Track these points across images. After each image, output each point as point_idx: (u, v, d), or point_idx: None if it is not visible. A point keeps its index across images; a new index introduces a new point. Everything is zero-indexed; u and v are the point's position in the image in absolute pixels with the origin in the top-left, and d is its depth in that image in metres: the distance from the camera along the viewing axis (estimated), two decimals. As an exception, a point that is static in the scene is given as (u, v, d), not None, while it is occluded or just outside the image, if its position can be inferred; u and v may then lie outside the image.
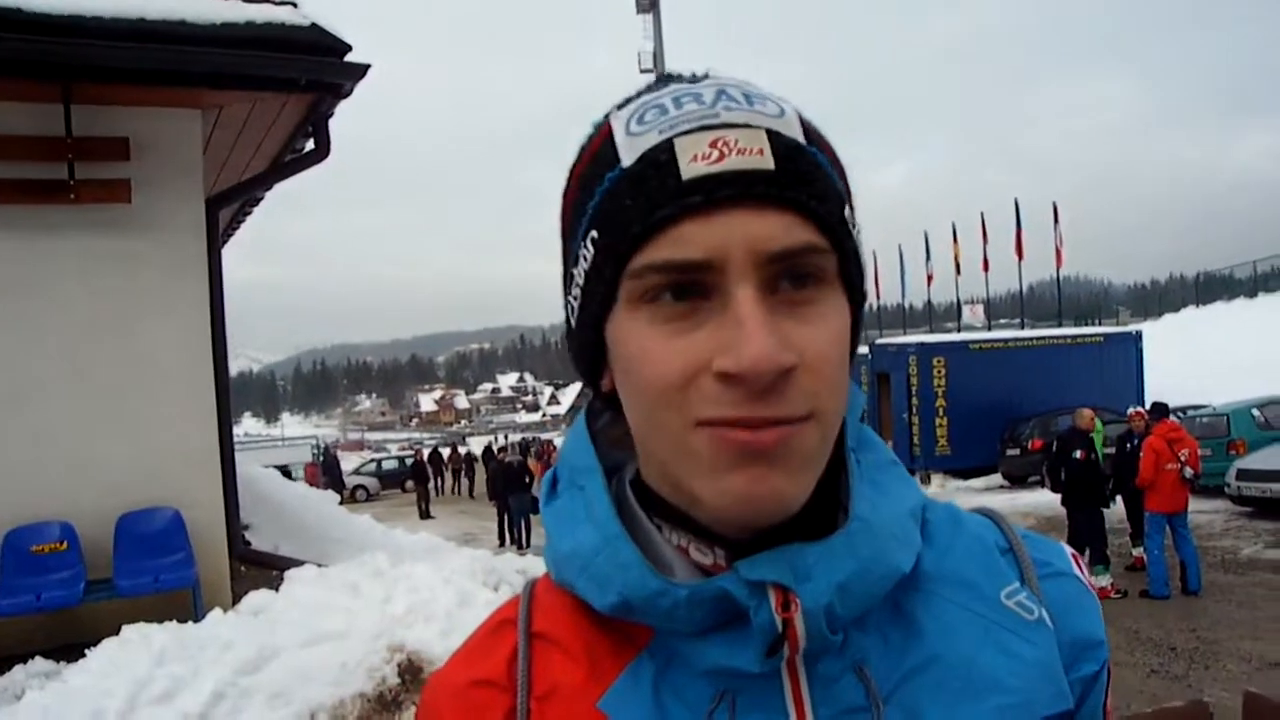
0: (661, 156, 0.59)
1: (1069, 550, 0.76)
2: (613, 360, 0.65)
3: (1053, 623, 0.69)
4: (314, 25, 6.07)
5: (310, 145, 7.08)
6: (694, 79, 0.64)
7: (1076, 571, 0.74)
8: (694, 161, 0.58)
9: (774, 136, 0.60)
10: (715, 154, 0.58)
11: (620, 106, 0.65)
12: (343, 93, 6.35)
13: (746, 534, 0.63)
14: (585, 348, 0.68)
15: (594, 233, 0.62)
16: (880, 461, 0.71)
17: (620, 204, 0.60)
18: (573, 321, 0.68)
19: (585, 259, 0.63)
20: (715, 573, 0.64)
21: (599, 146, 0.64)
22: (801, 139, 0.61)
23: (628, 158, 0.61)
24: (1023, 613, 0.68)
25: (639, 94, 0.65)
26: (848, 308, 0.64)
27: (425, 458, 34.46)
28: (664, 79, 0.66)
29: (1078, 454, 10.15)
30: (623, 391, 0.65)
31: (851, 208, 0.64)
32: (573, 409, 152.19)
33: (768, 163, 0.58)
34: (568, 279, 0.67)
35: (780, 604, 0.61)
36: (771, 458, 0.58)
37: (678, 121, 0.60)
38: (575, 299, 0.66)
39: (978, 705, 0.64)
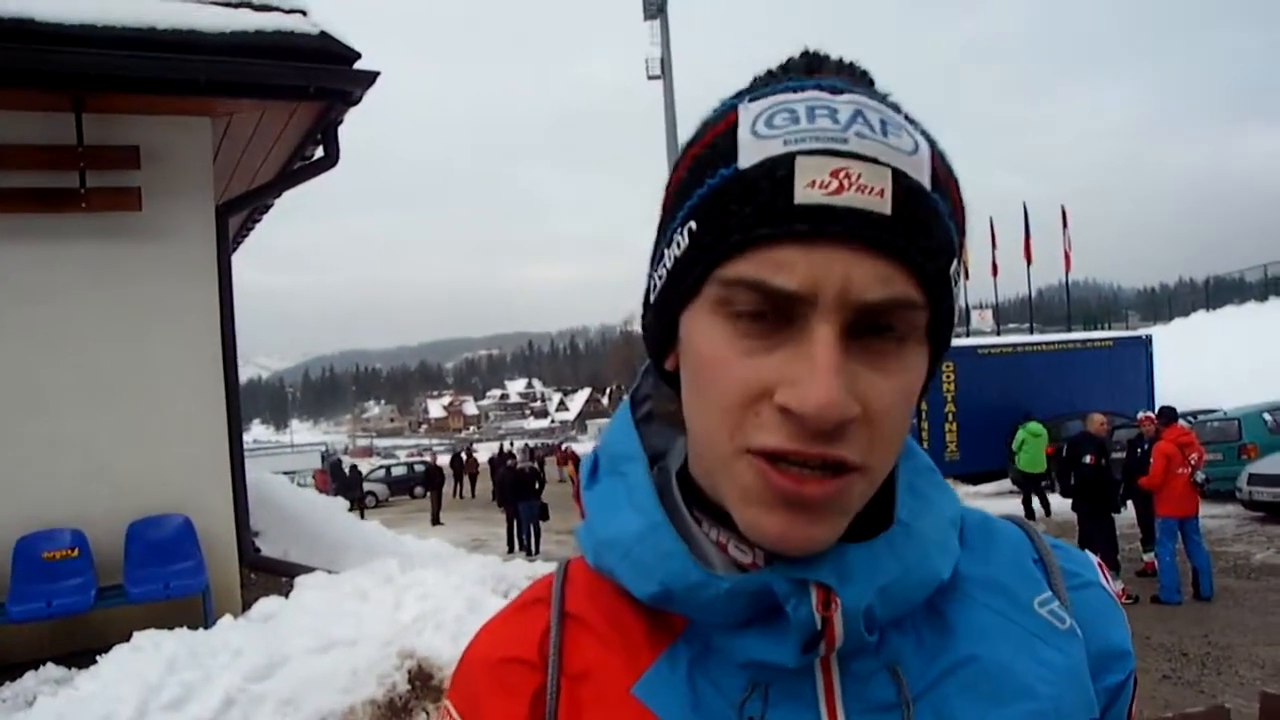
0: (779, 171, 0.57)
1: (1096, 560, 0.76)
2: (682, 350, 0.64)
3: (1082, 633, 0.69)
4: (323, 33, 6.09)
5: (319, 153, 7.10)
6: (835, 85, 0.61)
7: (1104, 582, 0.75)
8: (811, 187, 0.56)
9: (899, 178, 0.57)
10: (835, 184, 0.56)
11: (754, 97, 0.61)
12: (352, 100, 6.37)
13: None
14: (658, 326, 0.67)
15: (693, 223, 0.60)
16: (918, 468, 0.70)
17: (726, 206, 0.58)
18: (652, 298, 0.67)
19: (679, 246, 0.62)
20: (752, 570, 0.65)
21: (720, 134, 0.61)
22: (927, 183, 0.59)
23: (746, 160, 0.58)
24: (1055, 621, 0.68)
25: (773, 86, 0.62)
26: (927, 362, 0.62)
27: (448, 462, 34.55)
28: (806, 60, 0.66)
29: (1088, 459, 10.13)
30: (686, 387, 0.64)
31: (960, 260, 0.62)
32: (581, 415, 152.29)
33: (885, 206, 0.56)
34: (657, 254, 0.66)
35: (821, 602, 0.61)
36: (813, 509, 0.58)
37: (805, 137, 0.57)
38: (660, 279, 0.65)
39: (1007, 710, 0.64)
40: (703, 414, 0.61)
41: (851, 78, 0.64)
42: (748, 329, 0.58)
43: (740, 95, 0.63)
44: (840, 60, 0.66)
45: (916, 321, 0.59)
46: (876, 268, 0.56)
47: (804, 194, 0.56)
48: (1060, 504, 14.47)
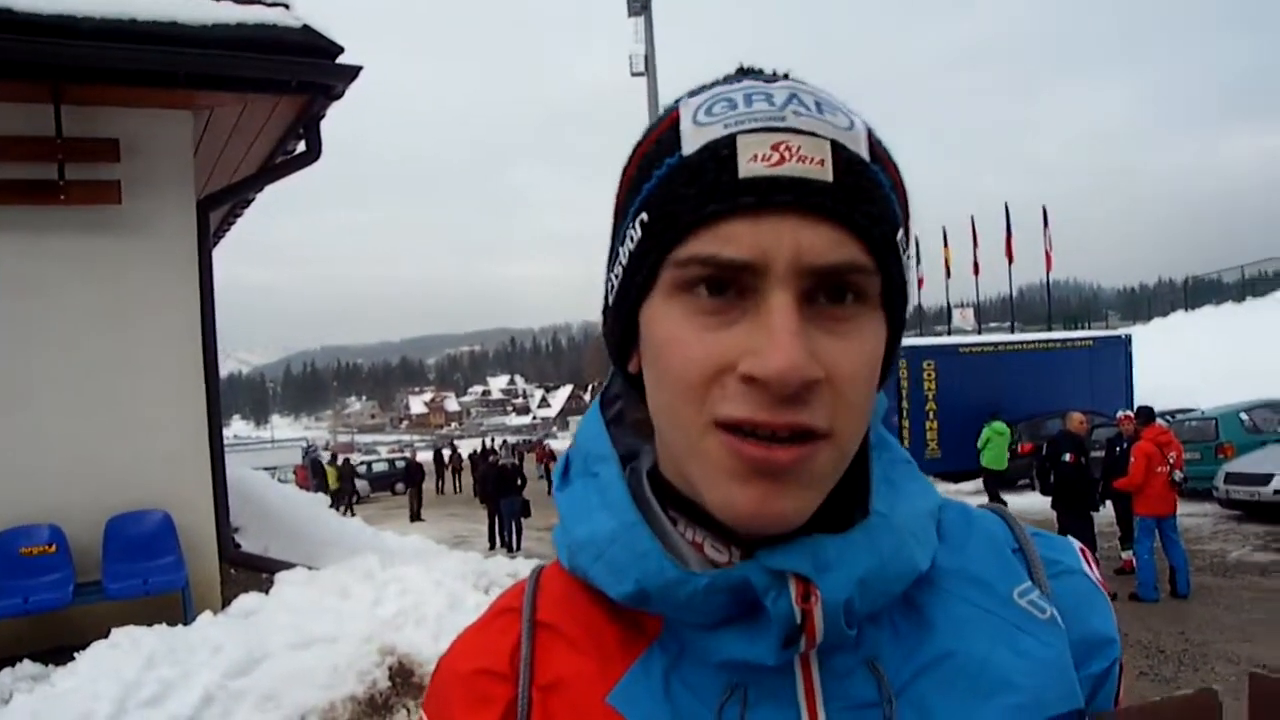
0: (722, 151, 0.59)
1: (1078, 546, 0.76)
2: (643, 344, 0.65)
3: (1063, 621, 0.69)
4: (305, 27, 6.06)
5: (301, 147, 7.06)
6: (771, 78, 0.64)
7: (1086, 569, 0.74)
8: (753, 161, 0.58)
9: (837, 149, 0.59)
10: (776, 156, 0.58)
11: (693, 94, 0.64)
12: (334, 94, 6.34)
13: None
14: (618, 327, 0.68)
15: (644, 215, 0.62)
16: (894, 460, 0.71)
17: (674, 191, 0.60)
18: (610, 299, 0.68)
19: (632, 240, 0.63)
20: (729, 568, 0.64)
21: (664, 131, 0.63)
22: (866, 155, 0.61)
23: (689, 147, 0.61)
24: (1035, 611, 0.68)
25: (713, 84, 0.65)
26: (885, 331, 0.63)
27: (431, 458, 34.50)
28: (741, 72, 0.66)
29: (1067, 457, 10.21)
30: (648, 378, 0.65)
31: (906, 232, 0.64)
32: (563, 412, 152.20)
33: (826, 174, 0.58)
34: (612, 256, 0.67)
35: (800, 595, 0.61)
36: (783, 476, 0.58)
37: (744, 119, 0.60)
38: (616, 277, 0.66)
39: (987, 703, 0.64)
40: (667, 395, 0.62)
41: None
42: (704, 306, 0.60)
43: (681, 97, 0.66)
44: (775, 71, 0.67)
45: (869, 287, 0.60)
46: (824, 233, 0.58)
47: (747, 168, 0.58)
48: (1031, 502, 14.62)
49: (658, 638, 0.67)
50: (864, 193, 0.59)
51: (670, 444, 0.65)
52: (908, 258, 0.64)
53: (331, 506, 29.13)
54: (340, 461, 34.84)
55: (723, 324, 0.59)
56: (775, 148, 0.58)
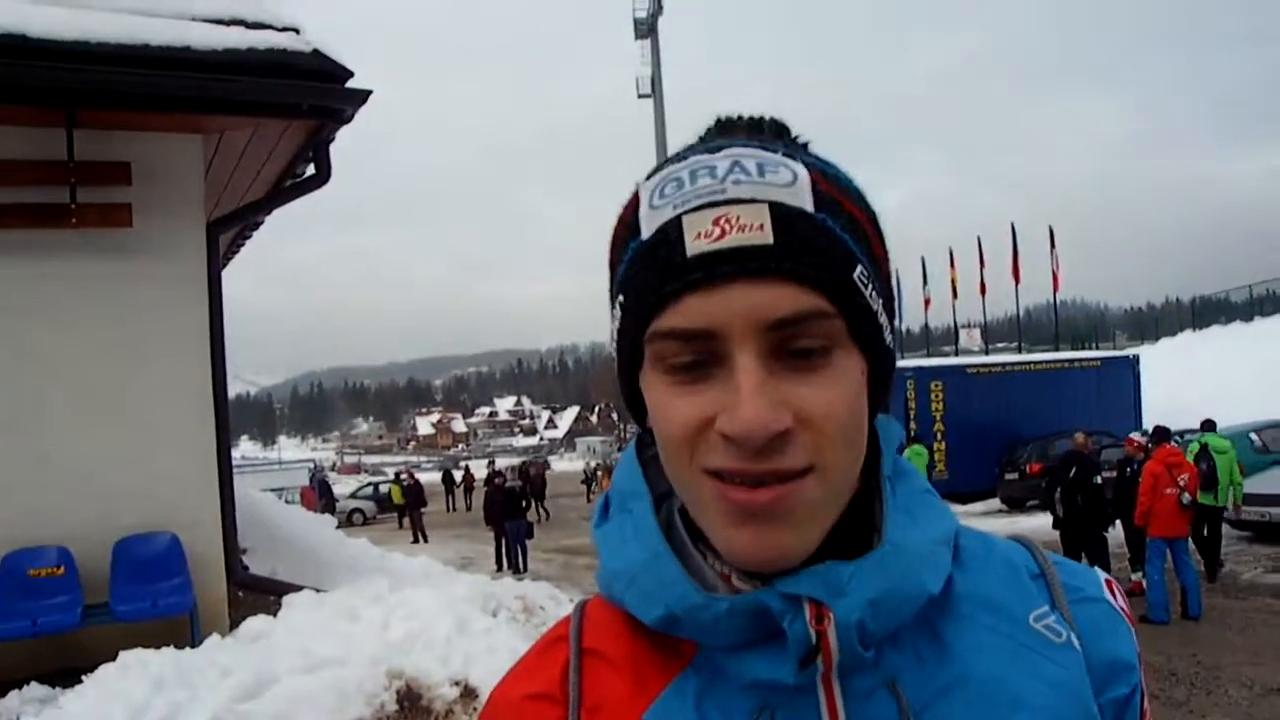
0: (672, 232, 0.64)
1: (1103, 576, 0.78)
2: (647, 406, 0.70)
3: (1082, 646, 0.71)
4: (316, 51, 6.10)
5: (310, 170, 7.10)
6: (716, 147, 0.67)
7: (1108, 596, 0.76)
8: (697, 239, 0.63)
9: (776, 209, 0.63)
10: (717, 231, 0.62)
11: (651, 175, 0.69)
12: (344, 118, 6.38)
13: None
14: (627, 393, 0.74)
15: (621, 297, 0.69)
16: (915, 490, 0.74)
17: (639, 273, 0.66)
18: (615, 369, 0.74)
19: (616, 319, 0.70)
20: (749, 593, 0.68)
21: (630, 215, 0.69)
22: (809, 206, 0.64)
23: (646, 230, 0.66)
24: (1051, 635, 0.71)
25: (669, 161, 0.70)
26: (862, 365, 0.67)
27: (440, 478, 36.76)
28: (722, 124, 0.73)
29: (1098, 479, 10.28)
30: (655, 435, 0.70)
31: (872, 264, 0.68)
32: (570, 433, 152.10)
33: (767, 237, 0.62)
34: (611, 331, 0.73)
35: (815, 617, 0.64)
36: (771, 515, 0.63)
37: (689, 198, 0.64)
38: (614, 351, 0.73)
39: None
40: (665, 452, 0.68)
41: (758, 133, 0.71)
42: (683, 375, 0.65)
43: (643, 177, 0.71)
44: (750, 118, 0.73)
45: (832, 329, 0.64)
46: (774, 290, 0.62)
47: (693, 246, 0.63)
48: (1044, 522, 14.54)
49: (691, 661, 0.71)
50: (808, 244, 0.63)
51: (678, 491, 0.70)
52: (872, 291, 0.67)
53: (398, 518, 29.76)
54: (406, 479, 35.51)
55: (701, 388, 0.64)
56: (716, 222, 0.63)
